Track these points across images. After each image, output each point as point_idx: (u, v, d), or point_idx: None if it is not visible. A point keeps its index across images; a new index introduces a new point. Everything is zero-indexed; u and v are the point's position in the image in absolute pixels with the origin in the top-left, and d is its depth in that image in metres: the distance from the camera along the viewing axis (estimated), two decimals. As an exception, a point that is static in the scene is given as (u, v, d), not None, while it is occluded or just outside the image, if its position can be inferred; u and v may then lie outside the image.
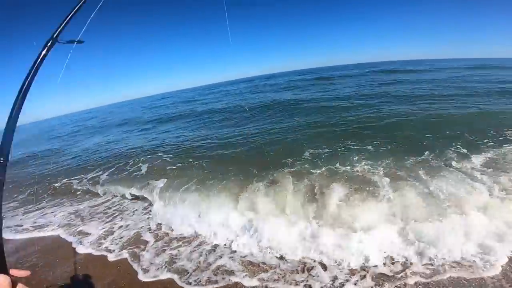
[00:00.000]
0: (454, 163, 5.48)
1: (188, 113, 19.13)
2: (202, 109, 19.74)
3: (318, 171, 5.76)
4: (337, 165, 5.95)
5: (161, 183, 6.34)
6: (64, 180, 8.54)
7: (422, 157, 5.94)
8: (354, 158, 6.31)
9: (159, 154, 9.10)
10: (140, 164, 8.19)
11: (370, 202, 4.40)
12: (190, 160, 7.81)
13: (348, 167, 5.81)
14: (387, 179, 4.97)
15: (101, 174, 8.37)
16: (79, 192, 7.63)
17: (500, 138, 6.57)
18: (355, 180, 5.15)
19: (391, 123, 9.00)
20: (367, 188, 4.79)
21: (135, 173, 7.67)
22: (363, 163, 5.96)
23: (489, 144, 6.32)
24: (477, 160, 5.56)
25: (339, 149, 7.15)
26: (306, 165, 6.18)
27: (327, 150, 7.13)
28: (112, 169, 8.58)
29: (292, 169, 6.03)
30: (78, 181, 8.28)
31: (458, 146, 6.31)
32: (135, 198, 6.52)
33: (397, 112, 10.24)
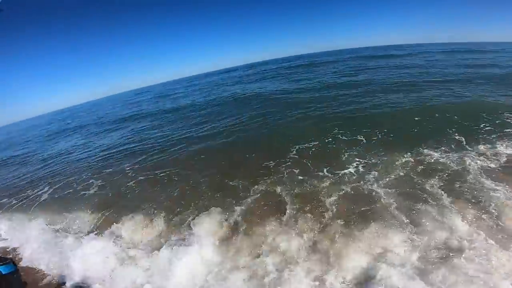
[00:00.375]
0: (454, 159, 4.78)
1: (162, 109, 17.44)
2: (176, 105, 18.14)
3: (305, 183, 4.72)
4: (326, 171, 5.00)
5: (104, 212, 4.93)
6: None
7: (417, 150, 5.30)
8: (345, 156, 5.57)
9: (121, 164, 7.68)
10: (92, 181, 6.76)
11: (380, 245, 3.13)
12: (156, 171, 6.45)
13: (340, 172, 4.90)
14: (392, 198, 3.98)
15: (45, 191, 6.92)
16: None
17: (496, 123, 6.09)
18: (352, 198, 4.13)
19: (377, 112, 8.27)
20: (369, 214, 3.67)
21: (82, 193, 6.23)
22: (356, 163, 5.15)
23: (486, 129, 5.86)
24: (476, 150, 5.01)
25: (327, 142, 6.43)
26: (292, 170, 5.23)
27: (315, 144, 6.35)
28: (58, 186, 7.10)
29: (274, 179, 4.99)
30: (16, 200, 6.84)
31: (454, 136, 5.76)
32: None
33: (382, 100, 9.48)
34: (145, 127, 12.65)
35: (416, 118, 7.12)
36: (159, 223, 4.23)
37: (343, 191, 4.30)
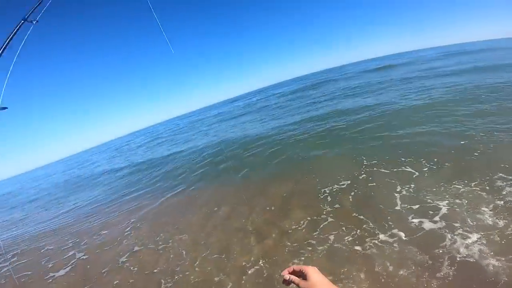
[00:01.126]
0: None
1: (171, 153, 16.00)
2: (169, 151, 16.92)
3: (371, 265, 3.05)
4: (389, 233, 3.42)
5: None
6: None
7: (497, 183, 3.84)
8: (399, 198, 4.10)
9: (118, 224, 6.24)
10: (74, 252, 5.30)
11: None
12: (157, 238, 4.96)
13: (410, 234, 3.32)
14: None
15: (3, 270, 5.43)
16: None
17: None
18: None
19: (409, 136, 6.55)
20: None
21: (50, 274, 4.70)
22: (423, 212, 3.64)
23: None
24: None
25: (362, 179, 4.94)
26: (340, 234, 3.67)
27: (349, 184, 4.88)
28: (26, 260, 5.64)
29: (317, 260, 3.40)
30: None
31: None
32: None
33: (410, 120, 7.75)
34: (149, 174, 11.29)
35: (462, 142, 5.45)
36: None
37: (433, 275, 2.70)
